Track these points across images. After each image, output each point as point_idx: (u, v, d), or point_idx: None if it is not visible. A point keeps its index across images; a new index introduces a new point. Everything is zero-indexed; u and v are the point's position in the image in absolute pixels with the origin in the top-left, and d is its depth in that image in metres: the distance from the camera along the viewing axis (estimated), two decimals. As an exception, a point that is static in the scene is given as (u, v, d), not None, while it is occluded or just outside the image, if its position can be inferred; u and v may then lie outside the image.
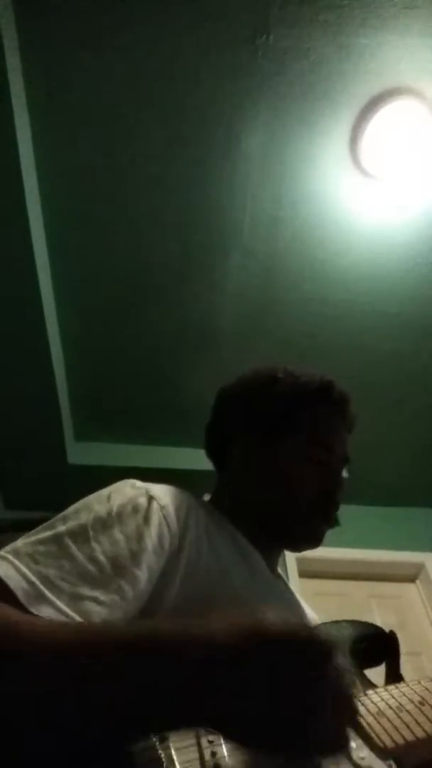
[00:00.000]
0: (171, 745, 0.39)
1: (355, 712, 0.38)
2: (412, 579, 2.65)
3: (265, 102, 1.58)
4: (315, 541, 0.75)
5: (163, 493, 0.63)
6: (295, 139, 1.65)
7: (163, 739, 0.39)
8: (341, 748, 0.38)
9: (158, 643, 0.38)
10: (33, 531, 0.55)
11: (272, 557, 0.77)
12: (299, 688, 0.35)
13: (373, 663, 0.68)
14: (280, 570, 0.81)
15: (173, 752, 0.39)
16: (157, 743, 0.39)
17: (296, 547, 0.77)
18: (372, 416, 2.45)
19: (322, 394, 0.79)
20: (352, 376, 2.25)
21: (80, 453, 2.53)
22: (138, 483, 0.64)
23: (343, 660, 0.37)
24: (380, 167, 1.69)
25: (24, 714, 0.36)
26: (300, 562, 2.49)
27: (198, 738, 0.40)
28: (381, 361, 2.30)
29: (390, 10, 1.39)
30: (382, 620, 2.43)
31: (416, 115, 1.56)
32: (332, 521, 0.75)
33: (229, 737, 0.38)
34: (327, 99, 1.57)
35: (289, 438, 0.76)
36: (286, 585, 0.81)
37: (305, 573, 2.50)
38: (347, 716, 0.37)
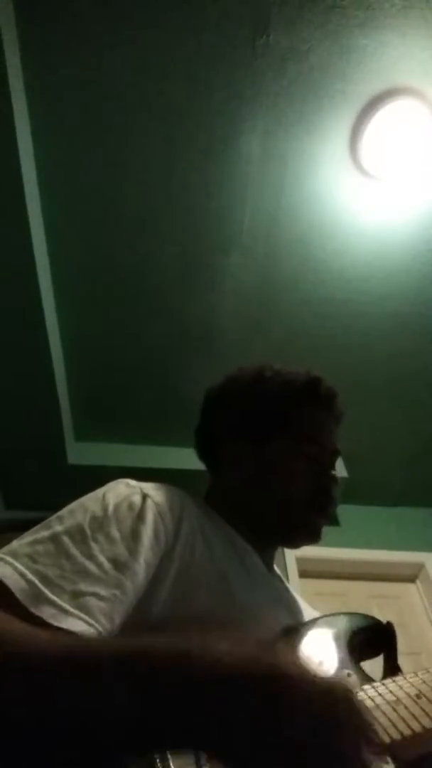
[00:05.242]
0: (171, 764, 0.39)
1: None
2: (412, 579, 2.65)
3: (265, 102, 1.58)
4: (315, 536, 0.75)
5: (156, 491, 0.63)
6: (295, 139, 1.65)
7: (164, 759, 0.39)
8: None
9: (162, 659, 0.37)
10: (28, 532, 0.55)
11: (269, 555, 0.78)
12: (312, 733, 0.33)
13: (371, 655, 0.67)
14: (277, 569, 0.82)
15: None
16: (157, 760, 0.39)
17: (295, 543, 0.78)
18: (372, 416, 2.45)
19: (309, 391, 0.80)
20: (351, 375, 2.29)
21: (80, 453, 2.52)
22: (132, 482, 0.65)
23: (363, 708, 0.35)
24: (380, 167, 1.69)
25: (20, 724, 0.35)
26: (300, 562, 2.49)
27: (197, 759, 0.40)
28: (381, 361, 2.30)
29: (390, 10, 1.40)
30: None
31: (416, 115, 1.56)
32: (329, 515, 0.75)
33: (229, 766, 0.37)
34: (327, 99, 1.57)
35: (280, 436, 0.77)
36: (282, 582, 0.81)
37: (305, 573, 2.50)
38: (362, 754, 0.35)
